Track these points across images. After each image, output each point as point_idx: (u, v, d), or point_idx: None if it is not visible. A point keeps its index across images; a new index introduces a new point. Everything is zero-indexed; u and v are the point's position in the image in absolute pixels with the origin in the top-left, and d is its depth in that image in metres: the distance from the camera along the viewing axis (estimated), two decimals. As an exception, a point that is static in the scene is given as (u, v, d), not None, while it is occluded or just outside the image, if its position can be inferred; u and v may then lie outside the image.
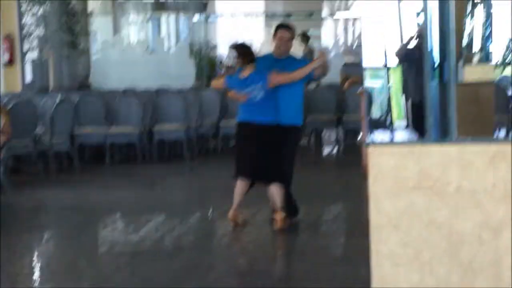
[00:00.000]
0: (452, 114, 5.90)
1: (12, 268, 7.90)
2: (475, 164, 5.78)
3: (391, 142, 6.27)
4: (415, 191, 5.91)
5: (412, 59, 9.33)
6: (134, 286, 7.26)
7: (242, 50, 9.07)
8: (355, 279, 7.01)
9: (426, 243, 5.90)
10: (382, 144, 6.15)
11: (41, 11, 18.35)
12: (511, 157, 5.68)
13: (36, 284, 7.64)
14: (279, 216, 8.95)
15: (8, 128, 11.23)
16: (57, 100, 14.53)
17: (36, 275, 8.02)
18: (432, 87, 6.07)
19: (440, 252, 5.88)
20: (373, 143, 6.12)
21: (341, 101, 16.42)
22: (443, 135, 5.94)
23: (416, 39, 10.24)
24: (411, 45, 8.96)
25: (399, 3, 8.66)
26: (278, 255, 8.76)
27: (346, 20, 36.28)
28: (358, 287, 6.76)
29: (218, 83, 9.96)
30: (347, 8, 35.77)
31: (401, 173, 5.88)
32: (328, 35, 34.19)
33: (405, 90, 9.14)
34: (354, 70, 22.94)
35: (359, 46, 27.71)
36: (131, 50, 20.21)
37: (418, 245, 5.91)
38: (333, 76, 19.58)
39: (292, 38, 9.15)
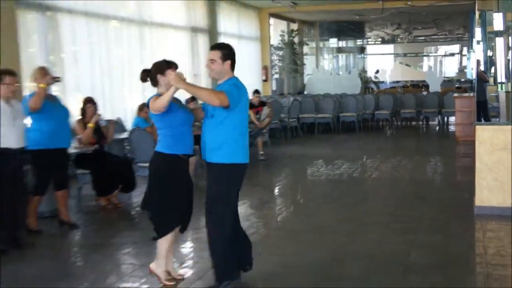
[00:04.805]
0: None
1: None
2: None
3: (489, 122, 6.07)
4: (502, 151, 5.75)
5: (478, 76, 8.92)
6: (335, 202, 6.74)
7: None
8: (463, 201, 6.46)
9: (508, 177, 5.73)
10: (483, 124, 5.99)
11: (280, 53, 18.76)
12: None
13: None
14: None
15: (272, 113, 10.85)
16: (291, 99, 14.81)
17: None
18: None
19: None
20: (479, 123, 5.97)
21: (441, 101, 15.71)
22: None
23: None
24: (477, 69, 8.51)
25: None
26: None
27: (437, 57, 35.36)
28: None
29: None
30: (436, 50, 35.02)
31: (494, 141, 5.73)
32: (426, 67, 33.15)
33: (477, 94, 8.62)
34: (448, 84, 22.07)
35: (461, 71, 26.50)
36: (326, 73, 20.17)
37: (503, 179, 5.76)
38: (437, 87, 18.94)
39: (219, 57, 3.81)
